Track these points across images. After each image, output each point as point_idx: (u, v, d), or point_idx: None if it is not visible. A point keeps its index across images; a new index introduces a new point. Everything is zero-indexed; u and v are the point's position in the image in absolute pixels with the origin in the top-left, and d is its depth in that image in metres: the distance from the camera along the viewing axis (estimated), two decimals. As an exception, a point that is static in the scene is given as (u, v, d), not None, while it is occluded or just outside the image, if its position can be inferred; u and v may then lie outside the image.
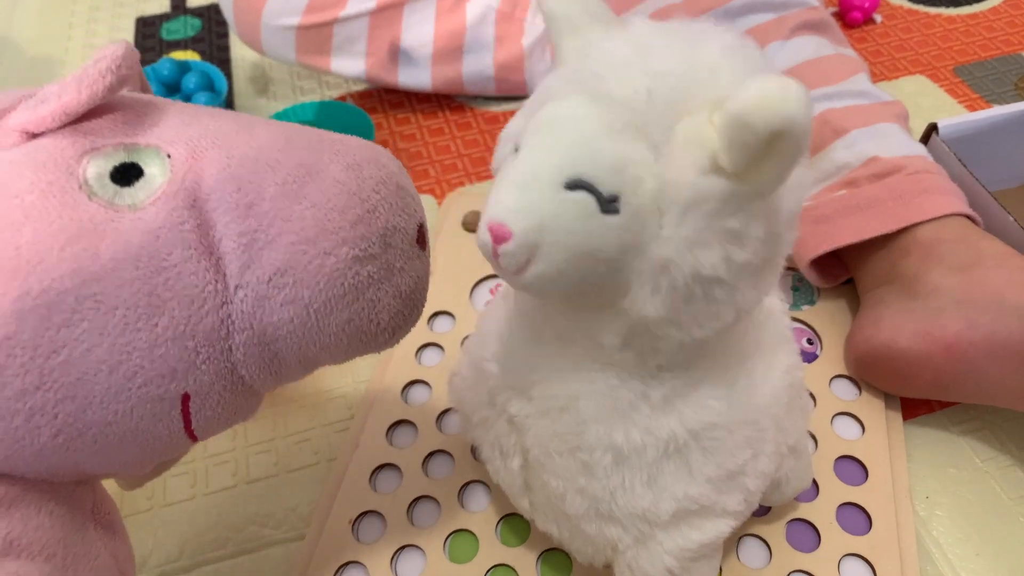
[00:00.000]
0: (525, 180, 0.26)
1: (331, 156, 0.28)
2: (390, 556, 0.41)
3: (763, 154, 0.23)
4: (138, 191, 0.25)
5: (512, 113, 0.69)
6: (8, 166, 0.24)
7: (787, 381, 0.35)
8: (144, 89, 0.31)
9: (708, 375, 0.32)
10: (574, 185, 0.25)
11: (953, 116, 0.56)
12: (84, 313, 0.23)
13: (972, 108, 0.68)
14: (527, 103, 0.30)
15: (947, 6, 0.80)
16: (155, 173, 0.25)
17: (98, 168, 0.24)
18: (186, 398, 0.25)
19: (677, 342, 0.28)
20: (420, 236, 0.30)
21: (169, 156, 0.25)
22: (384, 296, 0.28)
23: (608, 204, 0.25)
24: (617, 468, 0.32)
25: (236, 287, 0.25)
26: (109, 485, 0.32)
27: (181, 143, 0.26)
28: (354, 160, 0.28)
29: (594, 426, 0.32)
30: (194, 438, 0.27)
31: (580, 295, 0.28)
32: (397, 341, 0.31)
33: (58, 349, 0.23)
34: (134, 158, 0.25)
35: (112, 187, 0.24)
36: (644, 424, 0.31)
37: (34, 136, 0.24)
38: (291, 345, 0.27)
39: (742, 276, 0.27)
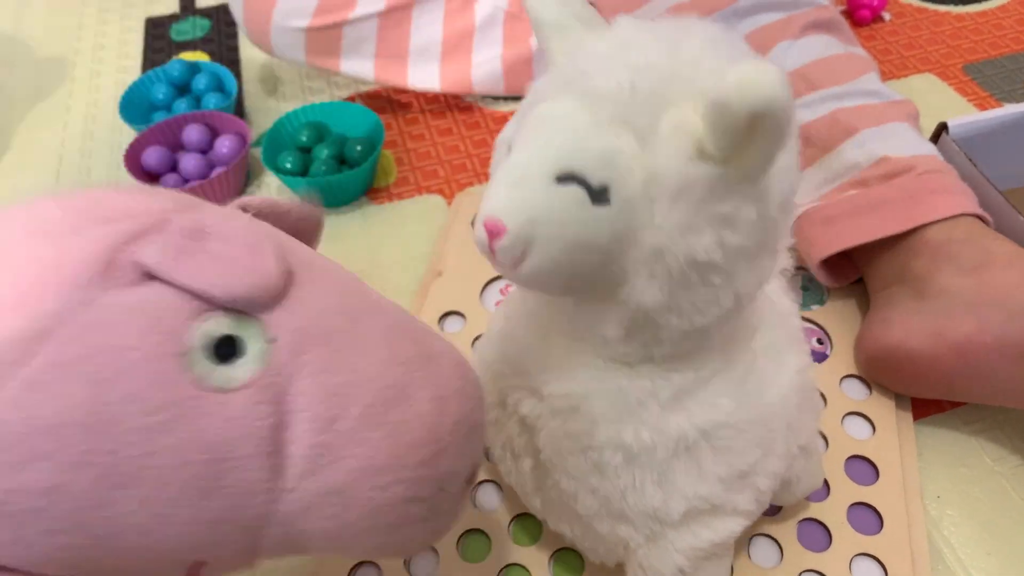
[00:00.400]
0: (517, 176, 0.26)
1: (423, 381, 0.27)
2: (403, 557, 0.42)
3: (746, 137, 0.24)
4: (232, 372, 0.24)
5: (521, 113, 0.70)
6: (122, 313, 0.23)
7: (798, 381, 0.35)
8: (309, 225, 0.32)
9: (717, 374, 0.32)
10: (564, 178, 0.26)
11: (962, 115, 0.56)
12: (141, 481, 0.23)
13: (982, 106, 0.68)
14: (520, 107, 0.30)
15: (956, 4, 0.80)
16: (253, 357, 0.24)
17: (203, 337, 0.24)
18: (200, 564, 0.26)
19: (679, 330, 0.29)
20: (472, 475, 0.30)
21: (273, 340, 0.25)
22: (419, 533, 0.28)
23: (599, 195, 0.26)
24: (628, 467, 0.32)
25: (290, 490, 0.25)
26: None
27: (288, 329, 0.25)
28: (442, 392, 0.27)
29: (604, 425, 0.32)
30: None
31: (578, 287, 0.28)
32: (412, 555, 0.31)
33: (102, 506, 0.23)
34: (238, 332, 0.24)
35: (209, 364, 0.24)
36: (653, 423, 0.32)
37: (152, 277, 0.24)
38: (315, 547, 0.27)
39: (737, 260, 0.27)
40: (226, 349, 0.24)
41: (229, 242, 0.25)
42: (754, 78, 0.22)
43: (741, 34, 0.56)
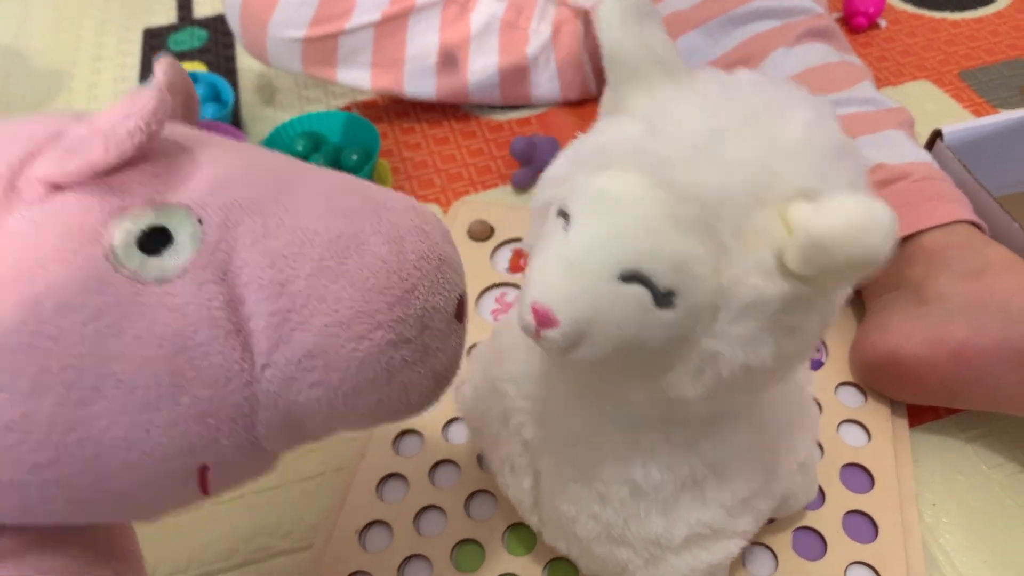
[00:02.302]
0: (576, 265, 0.24)
1: (373, 226, 0.26)
2: (397, 565, 0.42)
3: (839, 272, 0.22)
4: (166, 261, 0.23)
5: (517, 121, 0.70)
6: (32, 228, 0.22)
7: (800, 399, 0.35)
8: (190, 98, 0.30)
9: (729, 414, 0.32)
10: (630, 277, 0.24)
11: (958, 121, 0.56)
12: (104, 392, 0.22)
13: (977, 113, 0.68)
14: (577, 148, 0.28)
15: (952, 10, 0.80)
16: (185, 241, 0.23)
17: (125, 234, 0.23)
18: (205, 469, 0.25)
19: (709, 412, 0.28)
20: (459, 310, 0.28)
21: (201, 221, 0.24)
22: (417, 378, 0.27)
23: (663, 299, 0.24)
24: (634, 500, 0.32)
25: (263, 367, 0.24)
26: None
27: (215, 207, 0.24)
28: (397, 232, 0.26)
29: (612, 462, 0.31)
30: (208, 495, 0.27)
31: (620, 375, 0.27)
32: (423, 411, 0.30)
33: (75, 426, 0.22)
34: (163, 221, 0.23)
35: (139, 256, 0.23)
36: (664, 462, 0.31)
37: (59, 188, 0.23)
38: (317, 421, 0.26)
39: (789, 362, 0.26)
40: (155, 241, 0.23)
41: (105, 134, 0.23)
42: (865, 226, 0.21)
43: (738, 41, 0.57)
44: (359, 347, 0.25)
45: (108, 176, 0.23)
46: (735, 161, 0.24)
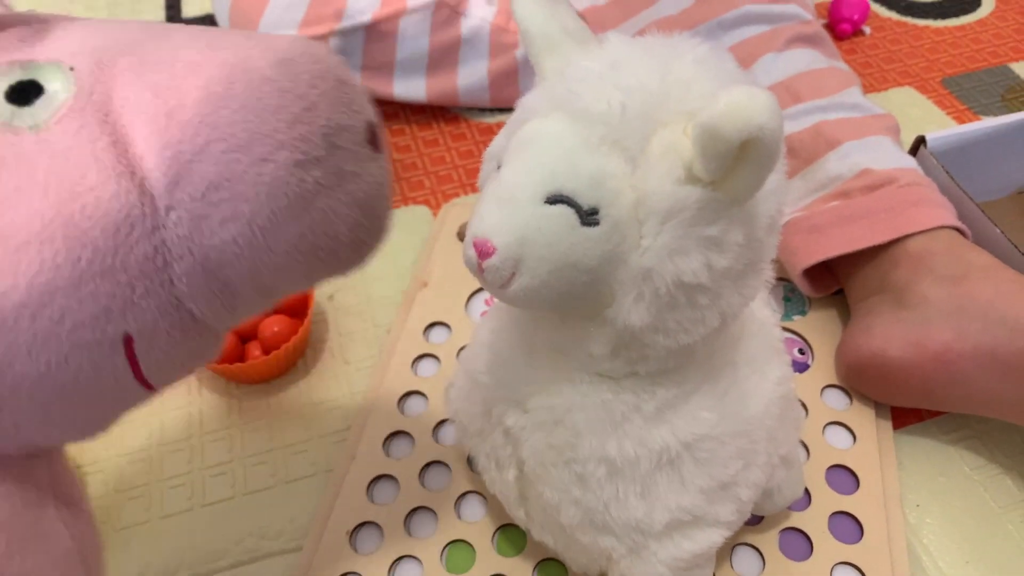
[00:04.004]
0: (506, 196, 0.27)
1: (259, 52, 0.24)
2: (388, 567, 0.42)
3: (736, 162, 0.24)
4: (39, 110, 0.22)
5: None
6: None
7: (779, 392, 0.36)
8: None
9: (700, 387, 0.33)
10: (554, 199, 0.26)
11: (941, 127, 0.57)
12: None
13: (960, 120, 0.69)
14: (508, 121, 0.30)
15: (935, 18, 0.81)
16: (57, 89, 0.22)
17: None
18: (129, 340, 0.23)
19: (664, 349, 0.29)
20: (371, 135, 0.27)
21: (72, 69, 0.23)
22: (338, 204, 0.25)
23: (588, 217, 0.26)
24: (611, 479, 0.33)
25: (167, 208, 0.22)
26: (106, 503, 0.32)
27: (85, 55, 0.23)
28: (285, 55, 0.24)
29: (588, 438, 0.32)
30: (149, 386, 0.25)
31: (565, 306, 0.29)
32: (364, 258, 0.28)
33: None
34: (32, 75, 0.22)
35: (8, 108, 0.22)
36: (637, 436, 0.32)
37: None
38: (240, 269, 0.24)
39: (724, 282, 0.27)
40: (26, 95, 0.22)
41: None
42: (745, 104, 0.22)
43: (727, 46, 0.57)
44: (264, 170, 0.23)
45: None
46: (632, 85, 0.26)
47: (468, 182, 0.65)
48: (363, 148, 0.26)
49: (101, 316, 0.22)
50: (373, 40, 0.65)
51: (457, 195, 0.64)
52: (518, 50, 0.67)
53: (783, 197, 0.29)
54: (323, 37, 0.64)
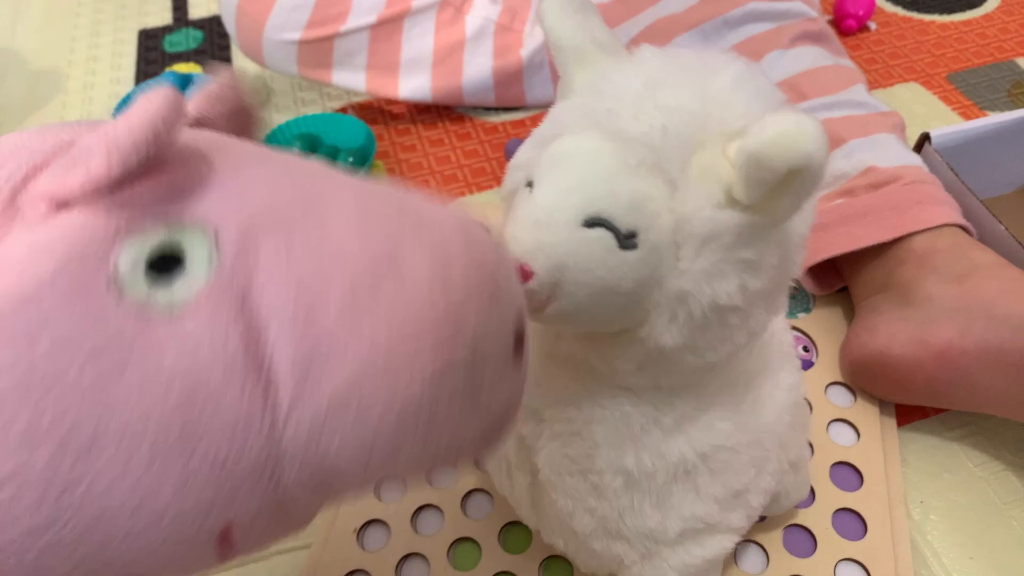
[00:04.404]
0: (543, 219, 0.26)
1: (413, 242, 0.22)
2: (395, 564, 0.42)
3: (779, 187, 0.24)
4: (177, 289, 0.20)
5: (512, 123, 0.71)
6: (29, 252, 0.19)
7: (791, 399, 0.36)
8: (243, 117, 0.27)
9: (717, 397, 0.32)
10: (593, 223, 0.26)
11: (947, 123, 0.57)
12: (104, 445, 0.19)
13: (965, 115, 0.69)
14: (536, 133, 0.30)
15: (941, 13, 0.81)
16: (200, 266, 0.20)
17: (132, 258, 0.20)
18: (228, 527, 0.21)
19: (691, 366, 0.29)
20: (518, 343, 0.24)
21: (218, 239, 0.20)
22: (468, 420, 0.23)
23: (626, 240, 0.26)
24: (627, 490, 0.32)
25: (286, 419, 0.21)
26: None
27: (232, 224, 0.21)
28: (443, 250, 0.22)
29: (605, 450, 0.32)
30: (237, 555, 0.23)
31: (598, 326, 0.28)
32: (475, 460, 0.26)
33: (75, 482, 0.19)
34: (175, 238, 0.20)
35: (146, 285, 0.20)
36: (655, 448, 0.32)
37: (64, 205, 0.20)
38: (351, 479, 0.23)
39: (756, 302, 0.27)
40: (166, 266, 0.20)
41: (108, 141, 0.20)
42: (795, 133, 0.22)
43: (732, 43, 0.57)
44: (396, 391, 0.21)
45: (116, 192, 0.20)
46: (673, 105, 0.26)
47: (474, 181, 0.66)
48: (506, 361, 0.23)
49: (203, 512, 0.21)
50: (378, 40, 0.65)
51: (463, 194, 0.65)
52: (523, 49, 0.67)
53: (813, 215, 0.29)
54: (328, 38, 0.65)
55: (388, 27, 0.65)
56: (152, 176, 0.21)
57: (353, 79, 0.67)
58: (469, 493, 0.45)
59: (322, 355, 0.20)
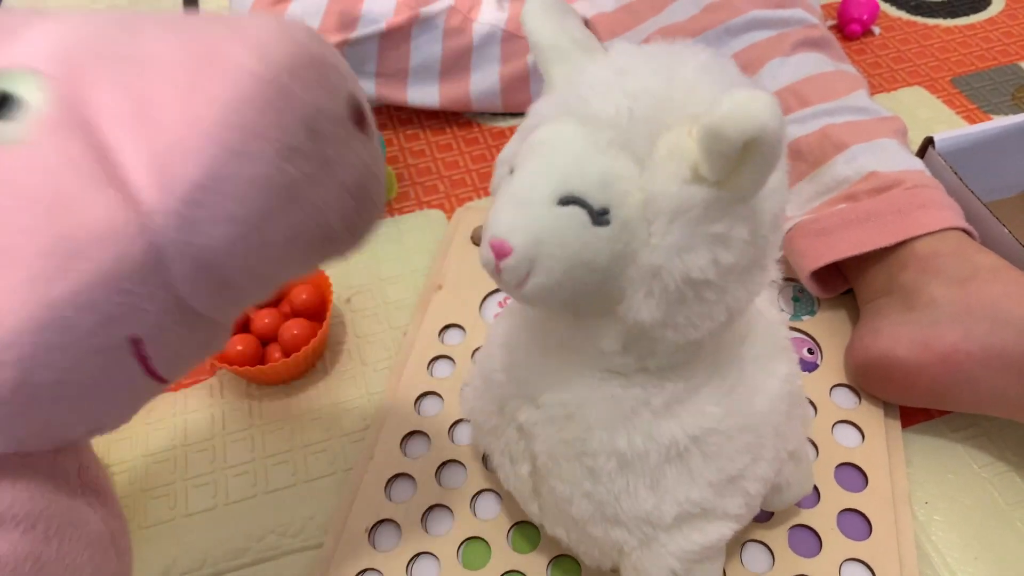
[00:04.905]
0: (521, 198, 0.28)
1: (230, 39, 0.24)
2: (405, 563, 0.43)
3: (740, 161, 0.25)
4: (17, 123, 0.22)
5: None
6: None
7: (786, 389, 0.37)
8: None
9: (707, 383, 0.34)
10: (566, 201, 0.27)
11: (951, 127, 0.57)
12: None
13: (970, 119, 0.69)
14: (520, 127, 0.31)
15: (945, 17, 0.81)
16: (31, 99, 0.22)
17: None
18: (137, 341, 0.23)
19: (673, 343, 0.30)
20: (355, 114, 0.26)
21: (47, 76, 0.22)
22: (327, 195, 0.25)
23: (599, 217, 0.27)
24: (621, 472, 0.34)
25: (154, 212, 0.22)
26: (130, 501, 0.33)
27: (58, 59, 0.23)
28: (257, 39, 0.24)
29: (598, 432, 0.33)
30: (161, 379, 0.25)
31: (579, 304, 0.30)
32: (360, 240, 0.28)
33: None
34: (5, 84, 0.22)
35: None
36: (646, 429, 0.33)
37: None
38: (237, 266, 0.24)
39: (730, 277, 0.28)
40: (3, 106, 0.22)
41: None
42: (747, 105, 0.24)
43: (734, 51, 0.58)
44: (245, 167, 0.23)
45: None
46: (639, 90, 0.28)
47: (481, 186, 0.66)
48: (346, 130, 0.25)
49: (105, 323, 0.22)
50: (387, 47, 0.66)
51: (471, 199, 0.65)
52: (529, 55, 0.68)
53: (785, 195, 0.30)
54: (339, 45, 0.65)
55: (397, 34, 0.66)
56: None
57: (362, 86, 0.68)
58: (478, 493, 0.46)
59: (170, 148, 0.22)
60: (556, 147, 0.28)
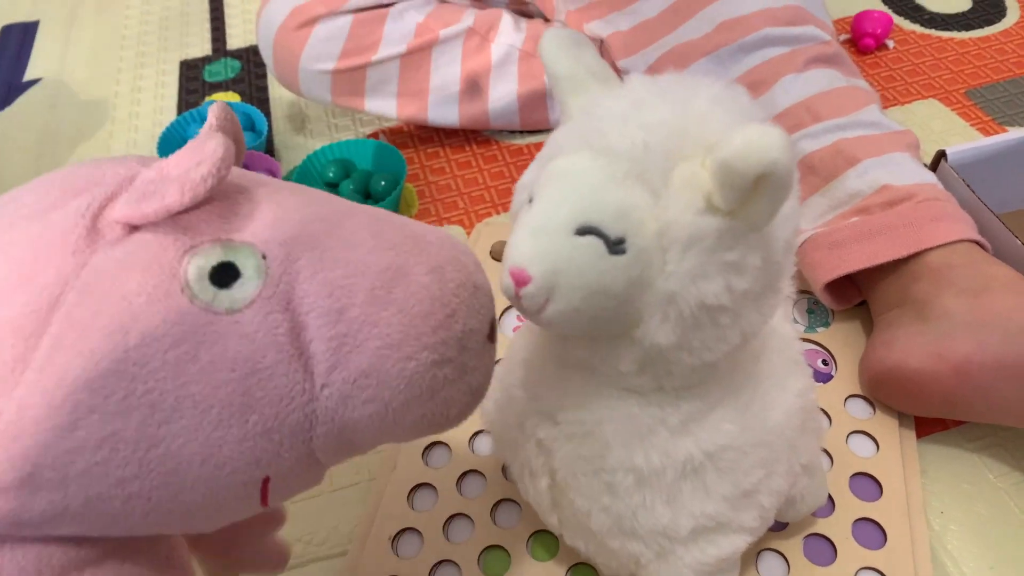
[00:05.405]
0: (540, 228, 0.29)
1: (416, 257, 0.29)
2: (427, 571, 0.44)
3: (753, 193, 0.26)
4: (235, 293, 0.26)
5: (536, 146, 0.73)
6: (116, 266, 0.25)
7: (800, 404, 0.37)
8: (238, 141, 0.32)
9: (722, 401, 0.34)
10: (584, 231, 0.28)
11: (965, 139, 0.58)
12: (183, 411, 0.25)
13: (985, 131, 0.70)
14: (539, 155, 0.33)
15: (959, 30, 0.82)
16: (251, 275, 0.26)
17: (198, 269, 0.25)
18: (266, 480, 0.27)
19: (689, 366, 0.31)
20: (491, 332, 0.31)
21: (264, 257, 0.26)
22: (456, 394, 0.30)
23: (615, 246, 0.28)
24: (638, 488, 0.34)
25: (322, 386, 0.27)
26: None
27: (276, 243, 0.27)
28: (437, 262, 0.29)
29: (616, 449, 0.34)
30: (266, 506, 0.29)
31: (596, 329, 0.31)
32: (458, 424, 0.32)
33: (157, 443, 0.25)
34: (230, 257, 0.26)
35: (211, 289, 0.25)
36: (663, 447, 0.34)
37: (135, 228, 0.26)
38: (367, 435, 0.29)
39: (744, 302, 0.29)
40: (225, 275, 0.26)
41: (180, 181, 0.26)
42: (759, 141, 0.25)
43: (748, 68, 0.59)
44: (407, 367, 0.28)
45: (179, 217, 0.26)
46: (654, 122, 0.29)
47: (500, 202, 0.68)
48: (484, 346, 0.30)
49: (253, 465, 0.27)
50: (408, 69, 0.68)
51: (489, 214, 0.67)
52: (546, 75, 0.69)
53: (797, 221, 0.31)
54: (361, 67, 0.67)
55: (418, 56, 0.68)
56: (206, 205, 0.27)
57: (385, 106, 0.70)
58: (498, 503, 0.47)
59: (350, 341, 0.27)
60: (573, 178, 0.29)
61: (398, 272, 0.28)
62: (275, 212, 0.28)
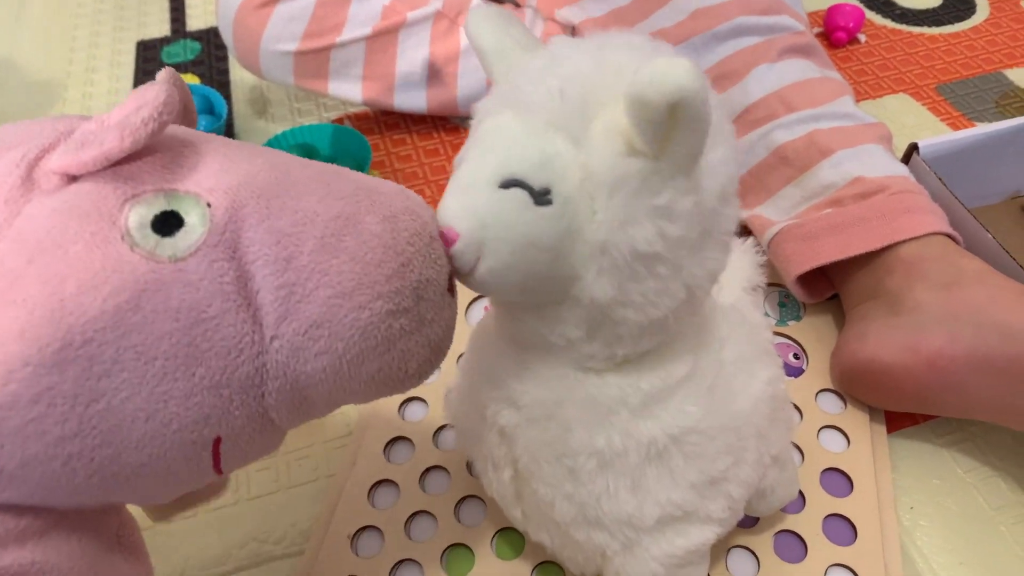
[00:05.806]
0: (464, 186, 0.29)
1: (368, 207, 0.28)
2: (388, 570, 0.42)
3: (669, 128, 0.26)
4: (179, 241, 0.25)
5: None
6: (52, 214, 0.24)
7: (768, 392, 0.37)
8: (189, 110, 0.31)
9: (685, 384, 0.34)
10: (508, 184, 0.28)
11: (936, 134, 0.58)
12: (124, 364, 0.23)
13: (954, 126, 0.70)
14: (472, 127, 0.32)
15: (930, 25, 0.82)
16: (195, 223, 0.25)
17: (140, 217, 0.24)
18: (217, 440, 0.26)
19: (636, 325, 0.30)
20: (450, 285, 0.30)
21: (209, 205, 0.25)
22: (414, 346, 0.29)
23: (540, 196, 0.28)
24: (601, 472, 0.33)
25: (272, 338, 0.26)
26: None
27: (221, 191, 0.26)
28: (390, 211, 0.28)
29: (578, 432, 0.33)
30: (220, 472, 0.28)
31: (533, 288, 0.30)
32: (419, 383, 0.31)
33: (97, 398, 0.23)
34: (174, 206, 0.25)
35: (153, 237, 0.24)
36: (624, 427, 0.33)
37: (74, 179, 0.24)
38: (322, 391, 0.28)
39: (681, 251, 0.29)
40: (168, 224, 0.25)
41: (120, 124, 0.25)
42: (666, 71, 0.24)
43: (721, 57, 0.58)
44: (360, 316, 0.27)
45: (119, 167, 0.25)
46: (569, 72, 0.29)
47: (468, 191, 0.66)
48: (442, 297, 0.30)
49: (201, 422, 0.25)
50: (374, 52, 0.66)
51: (457, 204, 0.65)
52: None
53: (734, 171, 0.31)
54: (325, 49, 0.65)
55: (384, 39, 0.65)
56: (147, 156, 0.26)
57: (349, 90, 0.68)
58: (462, 500, 0.45)
59: (299, 290, 0.26)
60: (494, 135, 0.29)
61: (349, 220, 0.27)
62: (221, 163, 0.27)
